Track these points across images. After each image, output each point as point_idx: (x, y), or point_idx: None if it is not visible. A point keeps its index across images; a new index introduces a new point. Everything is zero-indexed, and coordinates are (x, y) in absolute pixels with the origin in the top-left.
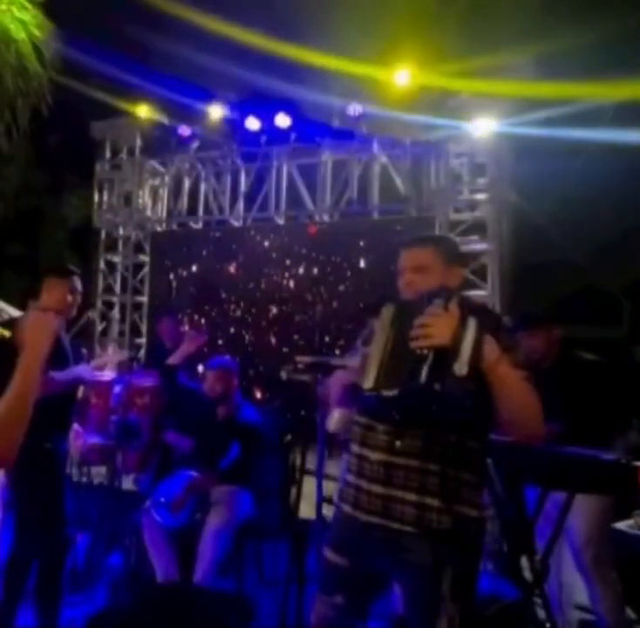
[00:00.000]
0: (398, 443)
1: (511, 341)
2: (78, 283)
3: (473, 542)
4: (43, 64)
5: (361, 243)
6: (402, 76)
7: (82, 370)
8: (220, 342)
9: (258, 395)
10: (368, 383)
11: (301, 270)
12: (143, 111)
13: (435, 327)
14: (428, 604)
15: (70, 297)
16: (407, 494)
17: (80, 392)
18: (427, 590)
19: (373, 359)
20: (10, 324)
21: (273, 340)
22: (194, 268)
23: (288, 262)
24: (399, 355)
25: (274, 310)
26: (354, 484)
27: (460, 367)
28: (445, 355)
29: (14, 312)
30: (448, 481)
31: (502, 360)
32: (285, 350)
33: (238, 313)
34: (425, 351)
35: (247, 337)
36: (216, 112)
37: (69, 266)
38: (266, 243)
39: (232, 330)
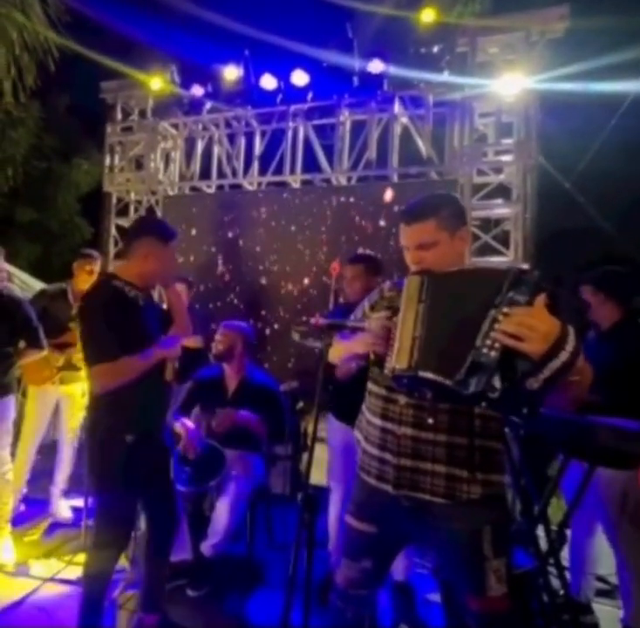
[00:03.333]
0: (430, 420)
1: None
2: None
3: (504, 501)
4: (49, 18)
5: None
6: (427, 15)
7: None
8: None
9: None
10: (400, 362)
11: (317, 234)
12: (156, 82)
13: (535, 333)
14: (474, 567)
15: (168, 267)
16: (437, 466)
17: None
18: (470, 554)
19: (403, 334)
20: (41, 295)
21: (287, 304)
22: (206, 233)
23: (305, 225)
24: (444, 335)
25: (289, 271)
26: (378, 457)
27: (534, 383)
28: (518, 365)
29: (25, 278)
30: (476, 452)
31: (586, 366)
32: (299, 316)
33: (252, 277)
34: (494, 353)
35: (262, 302)
36: (231, 72)
37: (170, 229)
38: (282, 207)
39: (250, 295)
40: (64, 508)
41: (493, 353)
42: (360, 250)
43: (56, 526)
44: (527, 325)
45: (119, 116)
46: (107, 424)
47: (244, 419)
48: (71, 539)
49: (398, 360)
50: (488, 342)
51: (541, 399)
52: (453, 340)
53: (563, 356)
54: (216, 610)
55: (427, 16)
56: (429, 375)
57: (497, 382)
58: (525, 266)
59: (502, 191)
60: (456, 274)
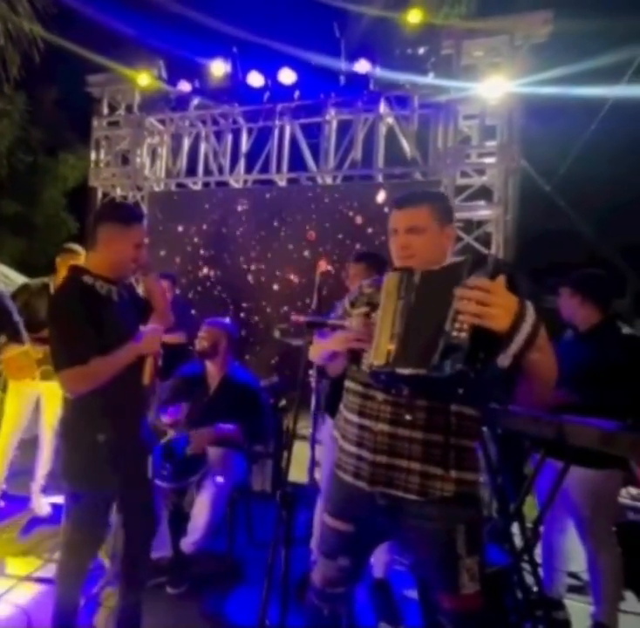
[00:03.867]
0: (407, 417)
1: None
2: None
3: (478, 500)
4: (35, 9)
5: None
6: (414, 16)
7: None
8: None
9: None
10: (378, 358)
11: (302, 232)
12: (143, 78)
13: (496, 308)
14: (447, 565)
15: (135, 252)
16: (412, 464)
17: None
18: (443, 553)
19: (382, 331)
20: (24, 290)
21: (270, 301)
22: (192, 229)
23: (289, 222)
24: (419, 330)
25: (274, 267)
26: (355, 454)
27: (504, 359)
28: (488, 342)
29: (8, 272)
30: (451, 450)
31: (546, 344)
32: (282, 310)
33: (237, 273)
34: (463, 334)
35: (245, 300)
36: (218, 67)
37: (136, 209)
38: (267, 204)
39: (235, 290)
40: (43, 504)
41: (462, 334)
42: (343, 246)
43: (34, 523)
44: (489, 302)
45: (106, 110)
46: (78, 424)
47: (222, 433)
48: (49, 537)
49: (376, 356)
50: (457, 325)
51: (513, 381)
52: (427, 333)
53: (525, 328)
54: (196, 607)
55: (414, 17)
56: (406, 371)
57: (471, 362)
58: (485, 253)
59: (484, 193)
60: (434, 271)
